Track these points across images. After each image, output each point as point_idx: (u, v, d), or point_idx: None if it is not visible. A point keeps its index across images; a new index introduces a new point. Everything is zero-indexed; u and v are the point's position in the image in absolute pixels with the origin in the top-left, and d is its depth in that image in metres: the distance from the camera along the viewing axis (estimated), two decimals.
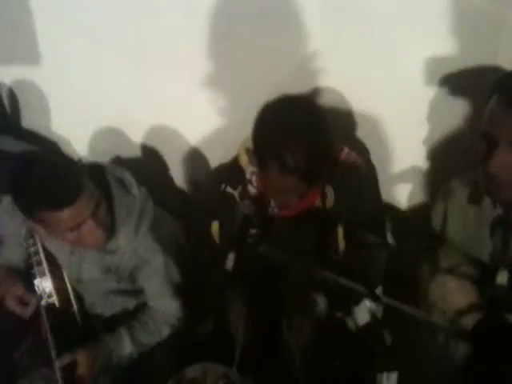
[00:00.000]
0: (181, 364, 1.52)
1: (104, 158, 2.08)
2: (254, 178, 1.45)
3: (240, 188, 1.51)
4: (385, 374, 1.18)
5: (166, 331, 1.63)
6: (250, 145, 1.40)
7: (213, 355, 1.53)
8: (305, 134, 1.25)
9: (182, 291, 1.64)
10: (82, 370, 1.48)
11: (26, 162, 1.42)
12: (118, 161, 2.10)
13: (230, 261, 1.19)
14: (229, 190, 1.52)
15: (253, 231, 1.23)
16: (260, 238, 1.22)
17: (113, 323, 1.64)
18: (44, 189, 1.33)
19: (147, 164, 2.12)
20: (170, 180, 2.14)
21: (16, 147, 1.81)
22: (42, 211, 1.36)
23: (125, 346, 1.56)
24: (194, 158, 2.05)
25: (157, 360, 1.62)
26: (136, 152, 2.12)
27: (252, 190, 1.44)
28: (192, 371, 1.50)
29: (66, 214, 1.35)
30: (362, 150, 1.78)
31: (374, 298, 1.03)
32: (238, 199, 1.50)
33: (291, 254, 1.16)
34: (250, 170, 1.47)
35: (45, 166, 1.38)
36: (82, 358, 1.48)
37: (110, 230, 1.50)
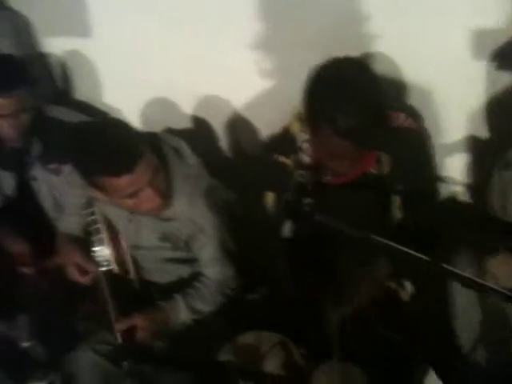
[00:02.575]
0: (233, 332, 1.56)
1: (155, 129, 2.10)
2: (306, 146, 1.44)
3: (293, 157, 1.50)
4: None
5: (219, 299, 1.66)
6: (302, 111, 1.39)
7: (265, 323, 1.55)
8: (357, 96, 1.24)
9: (235, 259, 1.66)
10: (140, 334, 1.54)
11: (86, 131, 1.47)
12: (169, 132, 2.12)
13: (287, 229, 1.20)
14: (281, 159, 1.52)
15: (308, 199, 1.22)
16: (315, 206, 1.21)
17: (168, 290, 1.68)
18: (104, 156, 1.37)
19: (197, 134, 2.13)
20: (220, 150, 2.16)
21: (71, 117, 1.86)
22: (101, 178, 1.41)
23: (180, 312, 1.60)
24: (243, 127, 2.06)
25: (210, 327, 1.65)
26: (186, 123, 2.14)
27: (305, 158, 1.44)
28: (245, 338, 1.54)
29: (124, 180, 1.39)
30: (415, 116, 1.73)
31: (435, 265, 1.01)
32: (291, 168, 1.50)
33: (346, 222, 1.15)
34: (301, 138, 1.46)
35: (104, 134, 1.42)
36: (140, 323, 1.54)
37: (167, 198, 1.53)
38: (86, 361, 1.54)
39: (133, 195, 1.43)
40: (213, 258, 1.65)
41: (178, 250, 1.67)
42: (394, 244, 1.02)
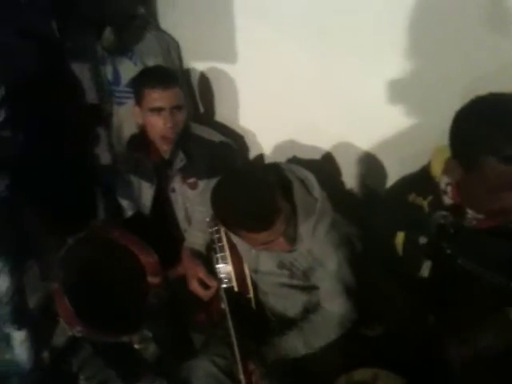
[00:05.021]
0: (348, 367, 1.55)
1: (282, 156, 2.18)
2: (449, 189, 1.43)
3: (430, 198, 1.49)
4: None
5: (336, 333, 1.66)
6: (446, 153, 1.38)
7: (380, 360, 1.53)
8: None
9: (354, 293, 1.66)
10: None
11: (227, 177, 1.50)
12: (295, 161, 2.18)
13: (426, 269, 1.20)
14: (418, 200, 1.51)
15: (449, 242, 1.22)
16: (457, 248, 1.20)
17: (284, 315, 1.72)
18: (243, 211, 1.40)
19: (321, 166, 2.17)
20: (342, 184, 2.18)
21: (213, 136, 1.99)
22: (239, 230, 1.47)
23: (297, 349, 1.63)
24: (371, 163, 2.07)
25: (324, 360, 1.66)
26: (312, 154, 2.19)
27: (447, 200, 1.42)
28: (360, 374, 1.53)
29: (261, 236, 1.44)
30: None
31: None
32: (426, 210, 1.49)
33: (487, 267, 1.13)
34: (444, 180, 1.45)
35: (244, 185, 1.44)
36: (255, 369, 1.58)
37: (295, 239, 1.57)
38: (202, 371, 1.62)
39: (265, 244, 1.49)
40: (331, 292, 1.66)
41: (295, 278, 1.69)
42: None
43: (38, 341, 2.19)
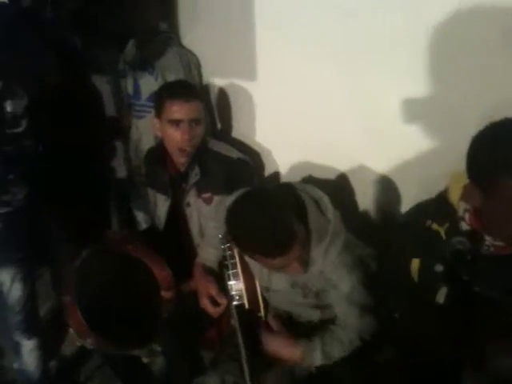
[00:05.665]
0: None
1: (297, 175, 2.19)
2: (467, 215, 1.42)
3: (447, 225, 1.49)
4: None
5: (355, 344, 1.65)
6: (463, 180, 1.38)
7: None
8: None
9: (370, 312, 1.65)
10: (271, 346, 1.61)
11: (243, 199, 1.50)
12: (310, 180, 2.19)
13: (442, 295, 1.19)
14: (435, 227, 1.51)
15: (466, 268, 1.21)
16: (474, 275, 1.20)
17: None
18: (259, 236, 1.40)
19: (336, 187, 2.18)
20: (357, 206, 2.18)
21: (230, 153, 2.01)
22: (252, 254, 1.48)
23: (314, 358, 1.62)
24: (385, 185, 2.07)
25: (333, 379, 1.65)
26: (327, 174, 2.19)
27: (465, 226, 1.41)
28: None
29: (276, 261, 1.44)
30: None
31: None
32: (443, 237, 1.48)
33: (504, 293, 1.12)
34: (462, 206, 1.45)
35: (261, 209, 1.43)
36: (279, 339, 1.62)
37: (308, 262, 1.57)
38: None
39: (279, 268, 1.50)
40: (345, 312, 1.65)
41: (309, 297, 1.69)
42: None
43: (47, 350, 2.20)
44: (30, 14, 2.31)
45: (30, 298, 2.03)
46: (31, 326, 2.07)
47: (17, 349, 2.12)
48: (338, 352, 1.63)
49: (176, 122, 1.89)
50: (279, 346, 1.62)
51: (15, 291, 1.96)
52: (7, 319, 2.04)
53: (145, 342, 1.78)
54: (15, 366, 2.31)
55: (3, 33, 2.04)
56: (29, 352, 2.10)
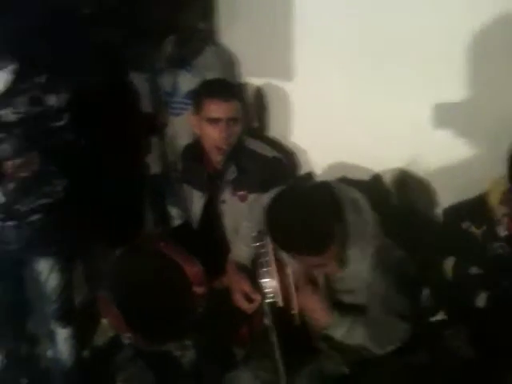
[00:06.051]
0: None
1: (331, 176, 2.18)
2: (505, 220, 1.41)
3: (484, 228, 1.48)
4: None
5: (383, 346, 1.63)
6: (504, 185, 1.37)
7: None
8: None
9: (403, 315, 1.63)
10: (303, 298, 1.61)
11: (283, 196, 1.51)
12: (344, 181, 2.18)
13: (482, 299, 1.18)
14: (472, 229, 1.50)
15: (506, 273, 1.20)
16: None
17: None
18: (298, 234, 1.40)
19: (371, 188, 2.17)
20: (392, 208, 2.17)
21: (266, 151, 2.02)
22: (289, 252, 1.49)
23: (338, 333, 1.61)
24: (423, 189, 2.05)
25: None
26: (362, 175, 2.19)
27: (502, 231, 1.41)
28: None
29: (314, 259, 1.46)
30: None
31: None
32: (479, 239, 1.47)
33: None
34: (501, 211, 1.44)
35: (301, 207, 1.43)
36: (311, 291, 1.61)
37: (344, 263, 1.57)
38: (245, 383, 1.62)
39: (317, 267, 1.52)
40: (380, 314, 1.63)
41: (343, 295, 1.68)
42: None
43: (80, 339, 2.25)
44: (72, 11, 2.36)
45: (66, 288, 2.09)
46: (66, 315, 2.12)
47: (52, 337, 2.18)
48: (359, 341, 1.61)
49: (214, 121, 1.91)
50: (316, 302, 1.60)
51: (52, 281, 2.02)
52: (44, 308, 2.10)
53: (179, 337, 1.80)
54: (49, 354, 2.37)
55: (46, 29, 2.10)
56: (63, 340, 2.16)
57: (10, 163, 1.73)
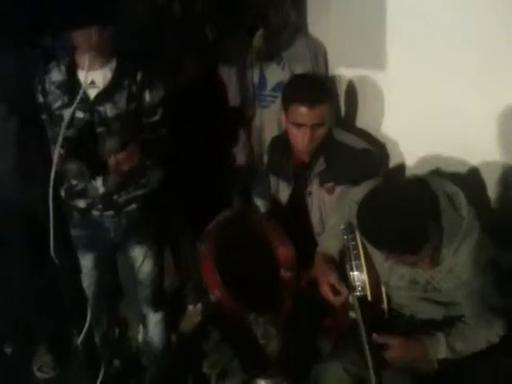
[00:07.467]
0: None
1: (424, 168, 2.12)
2: None
3: None
4: None
5: (482, 345, 1.60)
6: None
7: None
8: None
9: (500, 313, 1.59)
10: (392, 353, 1.58)
11: (378, 191, 1.49)
12: (438, 173, 2.11)
13: None
14: None
15: None
16: None
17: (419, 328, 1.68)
18: (391, 234, 1.39)
19: (467, 181, 2.08)
20: (487, 201, 2.07)
21: (355, 143, 1.99)
22: (380, 248, 1.48)
23: (440, 351, 1.59)
24: None
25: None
26: (457, 167, 2.09)
27: None
28: None
29: (406, 257, 1.45)
30: None
31: None
32: None
33: None
34: None
35: (395, 208, 1.41)
36: (396, 343, 1.58)
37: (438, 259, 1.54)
38: (333, 374, 1.63)
39: (408, 264, 1.51)
40: (474, 310, 1.59)
41: (429, 291, 1.64)
42: None
43: (169, 324, 2.34)
44: (164, 9, 2.45)
45: (159, 273, 2.18)
46: (158, 300, 2.22)
47: (143, 321, 2.29)
48: (460, 348, 1.58)
49: (299, 125, 1.89)
50: (397, 350, 1.58)
51: (146, 267, 2.11)
52: (136, 293, 2.20)
53: (261, 308, 1.87)
54: (140, 337, 2.50)
55: (142, 28, 2.19)
56: (154, 324, 2.25)
57: (114, 158, 1.81)
